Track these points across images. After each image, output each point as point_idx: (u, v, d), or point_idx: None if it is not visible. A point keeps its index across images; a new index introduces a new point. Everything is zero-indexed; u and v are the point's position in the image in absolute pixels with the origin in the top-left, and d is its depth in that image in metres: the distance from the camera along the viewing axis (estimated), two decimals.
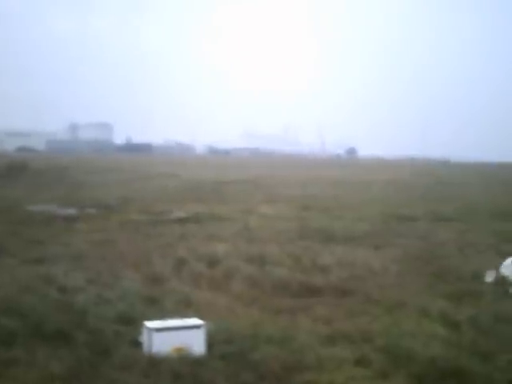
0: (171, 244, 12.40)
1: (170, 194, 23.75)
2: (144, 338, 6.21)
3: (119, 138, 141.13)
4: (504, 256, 10.20)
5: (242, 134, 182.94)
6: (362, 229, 15.27)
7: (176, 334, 6.16)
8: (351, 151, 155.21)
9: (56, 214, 17.21)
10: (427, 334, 6.84)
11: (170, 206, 19.21)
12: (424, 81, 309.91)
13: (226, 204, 20.52)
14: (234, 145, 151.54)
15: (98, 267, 10.06)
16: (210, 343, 6.27)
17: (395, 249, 12.52)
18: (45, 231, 14.27)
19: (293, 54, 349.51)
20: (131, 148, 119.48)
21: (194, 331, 6.23)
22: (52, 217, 16.63)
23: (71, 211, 17.77)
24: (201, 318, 6.49)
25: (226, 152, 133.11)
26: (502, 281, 9.28)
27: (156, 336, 6.10)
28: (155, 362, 5.84)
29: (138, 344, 6.27)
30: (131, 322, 6.91)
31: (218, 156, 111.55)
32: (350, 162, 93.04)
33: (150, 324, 6.23)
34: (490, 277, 9.39)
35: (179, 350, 6.08)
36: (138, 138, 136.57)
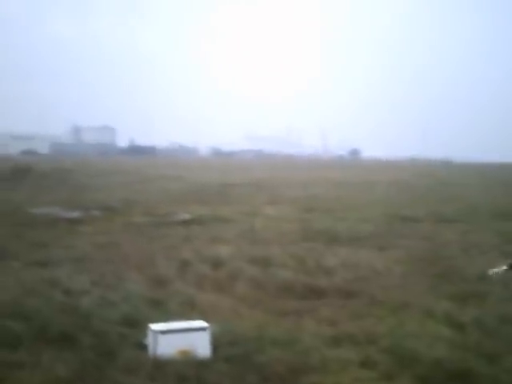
0: (175, 246, 12.41)
1: (173, 196, 23.75)
2: (149, 340, 6.21)
3: (123, 141, 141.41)
4: (508, 256, 10.18)
5: (245, 135, 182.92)
6: (366, 230, 15.26)
7: (181, 337, 6.16)
8: (354, 152, 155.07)
9: (60, 216, 17.22)
10: (432, 335, 6.83)
11: (174, 208, 19.22)
12: (426, 82, 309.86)
13: (229, 206, 20.52)
14: (237, 147, 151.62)
15: (102, 269, 10.06)
16: (215, 345, 6.26)
17: (399, 250, 12.51)
18: (49, 234, 14.28)
19: (295, 56, 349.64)
20: (134, 150, 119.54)
21: (199, 333, 6.22)
22: (56, 219, 16.64)
23: (75, 214, 17.79)
24: (205, 320, 6.49)
25: (230, 154, 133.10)
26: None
27: (161, 338, 6.09)
28: (160, 365, 5.84)
29: (142, 346, 6.27)
30: (136, 325, 6.91)
31: (221, 158, 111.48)
32: (352, 163, 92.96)
33: (154, 326, 6.22)
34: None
35: (184, 352, 6.08)
36: (142, 140, 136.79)
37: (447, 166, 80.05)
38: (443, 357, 6.05)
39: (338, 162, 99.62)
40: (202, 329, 6.27)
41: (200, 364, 5.91)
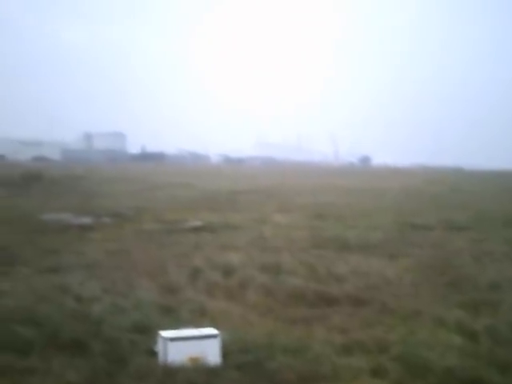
0: (186, 253, 12.41)
1: (183, 203, 23.77)
2: (159, 347, 6.22)
3: (133, 148, 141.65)
4: None
5: (256, 142, 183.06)
6: (376, 237, 15.22)
7: (191, 344, 6.16)
8: (365, 159, 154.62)
9: (70, 222, 17.26)
10: (444, 343, 6.81)
11: (184, 215, 19.23)
12: (437, 89, 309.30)
13: (240, 213, 20.51)
14: (247, 154, 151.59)
15: (112, 276, 10.08)
16: (226, 353, 6.27)
17: (410, 258, 12.47)
18: (59, 240, 14.32)
19: (305, 63, 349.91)
20: (145, 157, 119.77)
21: (210, 341, 6.23)
22: (67, 226, 16.68)
23: (86, 220, 17.82)
24: (216, 328, 6.49)
25: (240, 161, 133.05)
26: None
27: (171, 345, 6.10)
28: (171, 372, 5.85)
29: (153, 353, 6.28)
30: (147, 332, 6.92)
31: (231, 165, 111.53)
32: (363, 170, 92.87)
33: (165, 333, 6.23)
34: None
35: (195, 359, 6.09)
36: (153, 147, 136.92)
37: (458, 173, 79.84)
38: (455, 365, 6.03)
39: (349, 168, 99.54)
40: (213, 336, 6.28)
41: (210, 371, 5.92)
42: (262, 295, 9.14)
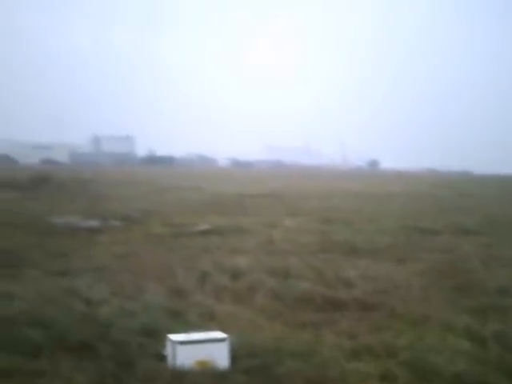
0: (194, 256, 12.43)
1: (192, 207, 23.80)
2: (168, 350, 6.22)
3: (142, 151, 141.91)
4: None
5: (264, 146, 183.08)
6: (384, 242, 15.19)
7: (200, 347, 6.16)
8: (373, 163, 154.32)
9: (79, 225, 17.30)
10: (452, 349, 6.78)
11: (193, 218, 19.25)
12: (445, 92, 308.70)
13: (248, 216, 20.52)
14: (256, 157, 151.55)
15: (121, 279, 10.10)
16: (234, 357, 6.26)
17: (418, 262, 12.44)
18: (68, 243, 14.36)
19: (314, 66, 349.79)
20: (153, 160, 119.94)
21: (218, 344, 6.23)
22: (75, 229, 16.72)
23: (94, 223, 17.85)
24: (224, 332, 6.49)
25: (248, 164, 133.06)
26: None
27: (180, 349, 6.10)
28: (179, 375, 5.85)
29: (161, 357, 6.29)
30: (155, 335, 6.93)
31: (239, 168, 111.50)
32: (371, 173, 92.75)
33: (173, 337, 6.24)
34: None
35: (203, 363, 6.08)
36: (161, 150, 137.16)
37: (466, 177, 79.67)
38: (463, 371, 6.01)
39: (357, 172, 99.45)
40: (221, 340, 6.27)
41: (218, 375, 5.91)
42: (270, 299, 9.14)
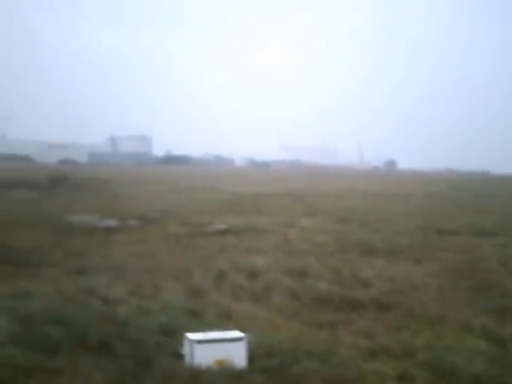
0: (211, 256, 12.45)
1: (209, 207, 23.84)
2: (186, 349, 6.25)
3: (159, 151, 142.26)
4: None
5: (281, 146, 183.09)
6: (401, 242, 15.14)
7: (217, 347, 6.18)
8: (391, 164, 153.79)
9: (96, 225, 17.38)
10: (470, 349, 6.75)
11: (210, 218, 19.28)
12: (466, 92, 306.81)
13: (265, 216, 20.51)
14: (273, 157, 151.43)
15: (138, 279, 10.14)
16: (251, 356, 6.27)
17: (435, 263, 12.39)
18: (86, 242, 14.44)
19: (331, 65, 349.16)
20: (170, 160, 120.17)
21: (236, 344, 6.24)
22: (92, 228, 16.81)
23: (111, 223, 17.93)
24: (241, 331, 6.51)
25: (266, 164, 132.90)
26: None
27: (198, 348, 6.12)
28: (197, 375, 5.87)
29: (179, 356, 6.31)
30: (172, 334, 6.95)
31: (256, 168, 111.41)
32: (388, 174, 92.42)
33: (192, 336, 6.26)
34: None
35: (220, 362, 6.10)
36: (178, 150, 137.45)
37: (484, 178, 79.20)
38: (482, 372, 5.99)
39: (373, 172, 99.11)
40: (239, 339, 6.29)
41: (236, 374, 5.92)
42: (287, 299, 9.15)
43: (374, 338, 7.31)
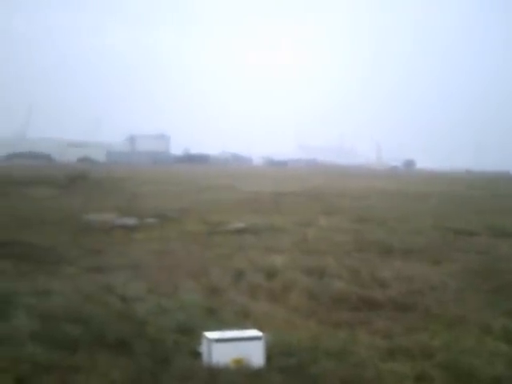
0: (229, 255, 12.45)
1: (227, 205, 23.83)
2: (203, 348, 6.26)
3: (177, 149, 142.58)
4: None
5: (298, 145, 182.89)
6: (420, 242, 15.05)
7: (235, 345, 6.19)
8: (409, 163, 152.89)
9: (115, 223, 17.45)
10: (489, 351, 6.71)
11: (228, 217, 19.28)
12: (482, 92, 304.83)
13: (282, 215, 20.49)
14: (290, 156, 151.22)
15: (156, 277, 10.18)
16: (269, 355, 6.27)
17: (454, 263, 12.30)
18: (104, 240, 14.51)
19: (348, 65, 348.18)
20: (188, 159, 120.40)
21: (254, 343, 6.24)
22: (111, 226, 16.87)
23: (130, 221, 17.98)
24: (259, 330, 6.51)
25: (283, 163, 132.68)
26: None
27: (215, 347, 6.13)
28: (215, 373, 5.87)
29: (197, 354, 6.32)
30: (190, 333, 6.97)
31: (274, 167, 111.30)
32: (406, 173, 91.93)
33: (210, 335, 6.27)
34: None
35: (238, 361, 6.11)
36: (196, 149, 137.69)
37: (503, 178, 78.58)
38: (502, 374, 5.94)
39: (391, 172, 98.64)
40: (257, 338, 6.29)
41: (254, 373, 5.93)
42: (305, 298, 9.14)
43: (391, 338, 7.28)
